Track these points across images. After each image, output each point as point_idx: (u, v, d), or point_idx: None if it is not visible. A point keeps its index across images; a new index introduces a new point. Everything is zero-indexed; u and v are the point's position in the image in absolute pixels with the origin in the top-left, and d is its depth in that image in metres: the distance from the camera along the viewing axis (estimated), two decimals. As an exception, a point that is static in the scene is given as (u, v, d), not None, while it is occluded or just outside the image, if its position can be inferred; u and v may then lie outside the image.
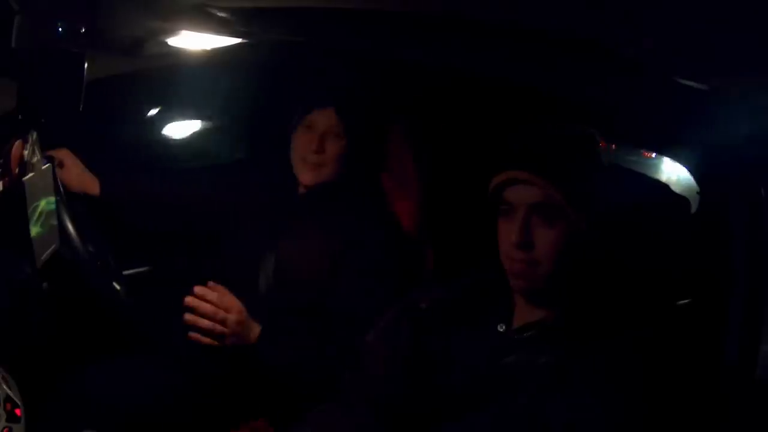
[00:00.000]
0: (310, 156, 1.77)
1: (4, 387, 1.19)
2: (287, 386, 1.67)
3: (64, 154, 1.78)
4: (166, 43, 1.65)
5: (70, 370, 1.68)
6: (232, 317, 1.61)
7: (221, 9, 1.38)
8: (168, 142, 2.15)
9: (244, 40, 1.66)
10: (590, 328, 1.21)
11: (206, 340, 1.62)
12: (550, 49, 1.18)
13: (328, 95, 1.80)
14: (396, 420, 1.32)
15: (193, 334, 1.63)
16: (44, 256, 1.40)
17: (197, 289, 1.62)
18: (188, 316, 1.62)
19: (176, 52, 1.74)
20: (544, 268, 1.19)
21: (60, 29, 1.31)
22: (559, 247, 1.18)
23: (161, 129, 2.13)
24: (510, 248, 1.20)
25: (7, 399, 1.17)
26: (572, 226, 1.17)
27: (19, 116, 1.30)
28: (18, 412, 1.18)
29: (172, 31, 1.58)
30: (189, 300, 1.62)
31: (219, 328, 1.61)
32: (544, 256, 1.18)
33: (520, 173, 1.19)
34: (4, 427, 1.13)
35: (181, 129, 2.15)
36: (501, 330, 1.27)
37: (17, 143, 1.34)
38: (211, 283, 1.64)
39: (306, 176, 1.79)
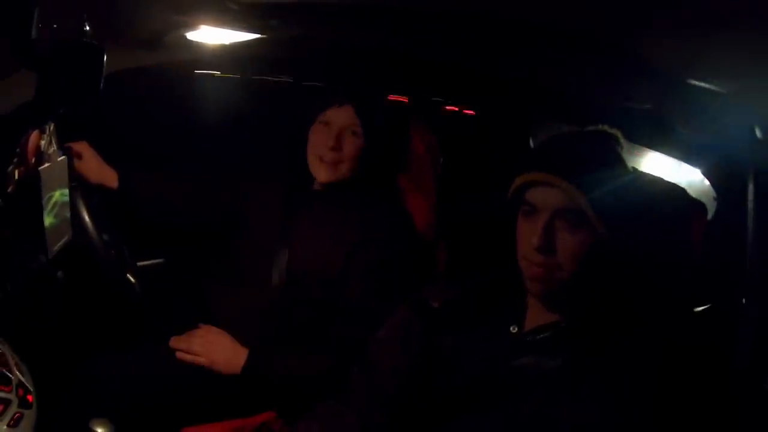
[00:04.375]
0: (327, 153, 1.76)
1: (17, 373, 1.19)
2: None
3: (82, 147, 1.79)
4: (185, 36, 1.66)
5: (83, 358, 1.70)
6: (205, 363, 1.72)
7: (241, 3, 1.38)
8: (184, 137, 2.16)
9: (264, 35, 1.67)
10: (603, 331, 1.20)
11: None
12: (571, 51, 1.18)
13: (348, 92, 1.78)
14: (404, 417, 1.32)
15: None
16: (56, 247, 1.41)
17: (171, 342, 1.75)
18: (179, 355, 1.73)
19: (195, 46, 1.75)
20: (564, 273, 1.17)
21: (80, 21, 1.32)
22: (580, 253, 1.16)
23: (178, 123, 2.14)
24: (530, 251, 1.18)
25: (20, 385, 1.18)
26: (594, 232, 1.16)
27: (37, 107, 1.31)
28: (30, 398, 1.18)
29: (192, 25, 1.59)
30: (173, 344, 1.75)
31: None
32: (564, 261, 1.16)
33: (546, 175, 1.17)
34: (15, 413, 1.13)
35: (197, 124, 2.17)
36: (513, 331, 1.27)
37: (34, 134, 1.35)
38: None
39: (322, 174, 1.78)
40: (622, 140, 1.24)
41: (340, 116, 1.76)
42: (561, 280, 1.18)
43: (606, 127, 1.25)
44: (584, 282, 1.19)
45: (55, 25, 1.25)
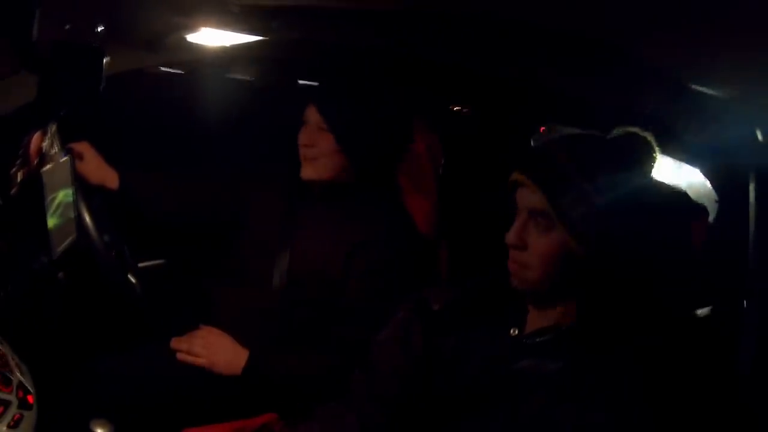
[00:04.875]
0: (303, 150, 1.80)
1: (17, 374, 1.20)
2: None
3: (83, 147, 1.79)
4: (186, 38, 1.67)
5: (83, 359, 1.71)
6: (205, 364, 1.72)
7: (241, 6, 1.38)
8: (185, 138, 2.17)
9: (264, 37, 1.67)
10: (603, 335, 1.19)
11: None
12: (569, 53, 1.17)
13: (312, 90, 1.85)
14: (404, 418, 1.32)
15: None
16: (61, 248, 1.42)
17: (172, 343, 1.75)
18: (179, 356, 1.73)
19: (196, 48, 1.75)
20: (534, 273, 1.19)
21: (81, 23, 1.32)
22: (547, 255, 1.17)
23: (179, 125, 2.15)
24: (509, 248, 1.22)
25: (20, 386, 1.18)
26: (562, 237, 1.16)
27: (39, 108, 1.31)
28: (30, 399, 1.18)
29: (192, 27, 1.59)
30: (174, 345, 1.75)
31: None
32: (532, 260, 1.19)
33: (521, 176, 1.20)
34: (15, 414, 1.13)
35: (198, 125, 2.17)
36: (513, 334, 1.26)
37: (36, 135, 1.35)
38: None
39: (304, 171, 1.81)
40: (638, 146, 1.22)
41: (311, 114, 1.79)
42: (532, 280, 1.20)
43: (627, 131, 1.23)
44: (563, 284, 1.20)
45: (56, 27, 1.25)
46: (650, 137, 1.22)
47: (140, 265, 1.89)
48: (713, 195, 1.44)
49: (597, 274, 1.18)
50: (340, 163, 1.79)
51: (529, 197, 1.20)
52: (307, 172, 1.81)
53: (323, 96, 1.80)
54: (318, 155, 1.79)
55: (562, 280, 1.20)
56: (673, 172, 1.56)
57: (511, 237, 1.20)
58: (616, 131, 1.25)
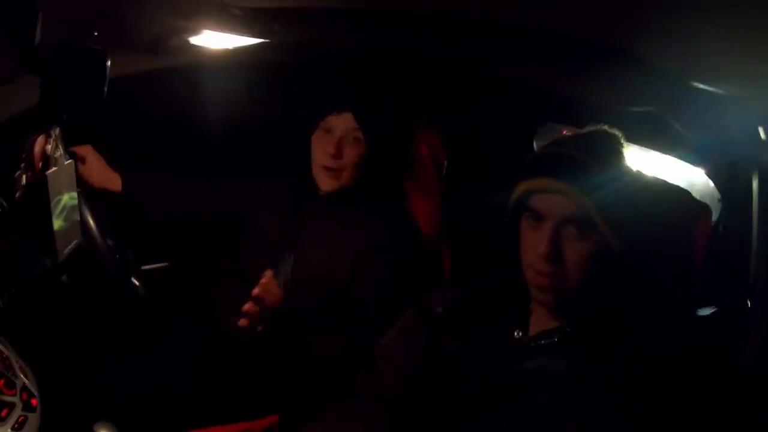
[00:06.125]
0: (329, 161, 1.76)
1: (21, 377, 1.20)
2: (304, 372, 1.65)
3: (86, 150, 1.80)
4: (189, 41, 1.67)
5: (87, 362, 1.71)
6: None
7: (243, 8, 1.39)
8: (189, 141, 2.17)
9: (266, 40, 1.67)
10: (608, 335, 1.19)
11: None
12: (574, 54, 1.17)
13: (347, 98, 1.78)
14: (409, 422, 1.32)
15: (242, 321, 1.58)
16: (67, 250, 1.42)
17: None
18: (248, 306, 1.57)
19: (198, 51, 1.76)
20: (571, 282, 1.14)
21: (83, 26, 1.32)
22: (589, 262, 1.13)
23: (182, 127, 2.15)
24: (537, 260, 1.15)
25: (24, 389, 1.18)
26: (603, 240, 1.13)
27: (42, 111, 1.31)
28: (34, 402, 1.19)
29: (195, 30, 1.60)
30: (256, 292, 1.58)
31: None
32: (572, 270, 1.14)
33: (552, 182, 1.14)
34: (19, 416, 1.14)
35: (201, 128, 2.17)
36: (517, 336, 1.26)
37: (40, 138, 1.35)
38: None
39: (325, 183, 1.78)
40: (623, 140, 1.22)
41: (341, 123, 1.76)
42: (568, 288, 1.15)
43: (606, 127, 1.22)
44: (591, 289, 1.17)
45: (59, 30, 1.25)
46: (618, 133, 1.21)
47: (145, 267, 1.89)
48: (716, 194, 1.44)
49: (629, 269, 1.15)
50: (363, 172, 1.78)
51: (561, 204, 1.13)
52: (330, 184, 1.77)
53: (361, 105, 1.74)
54: (344, 167, 1.76)
55: (598, 281, 1.16)
56: (675, 171, 1.56)
57: (546, 250, 1.13)
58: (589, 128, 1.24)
